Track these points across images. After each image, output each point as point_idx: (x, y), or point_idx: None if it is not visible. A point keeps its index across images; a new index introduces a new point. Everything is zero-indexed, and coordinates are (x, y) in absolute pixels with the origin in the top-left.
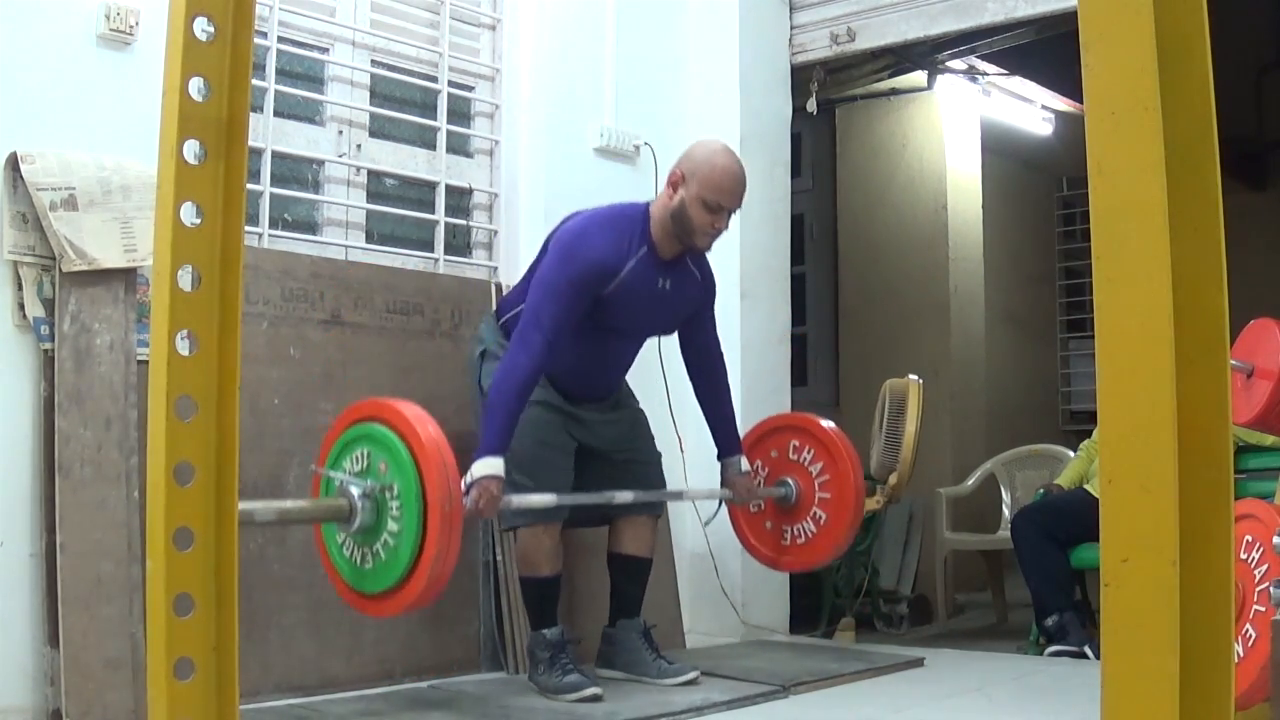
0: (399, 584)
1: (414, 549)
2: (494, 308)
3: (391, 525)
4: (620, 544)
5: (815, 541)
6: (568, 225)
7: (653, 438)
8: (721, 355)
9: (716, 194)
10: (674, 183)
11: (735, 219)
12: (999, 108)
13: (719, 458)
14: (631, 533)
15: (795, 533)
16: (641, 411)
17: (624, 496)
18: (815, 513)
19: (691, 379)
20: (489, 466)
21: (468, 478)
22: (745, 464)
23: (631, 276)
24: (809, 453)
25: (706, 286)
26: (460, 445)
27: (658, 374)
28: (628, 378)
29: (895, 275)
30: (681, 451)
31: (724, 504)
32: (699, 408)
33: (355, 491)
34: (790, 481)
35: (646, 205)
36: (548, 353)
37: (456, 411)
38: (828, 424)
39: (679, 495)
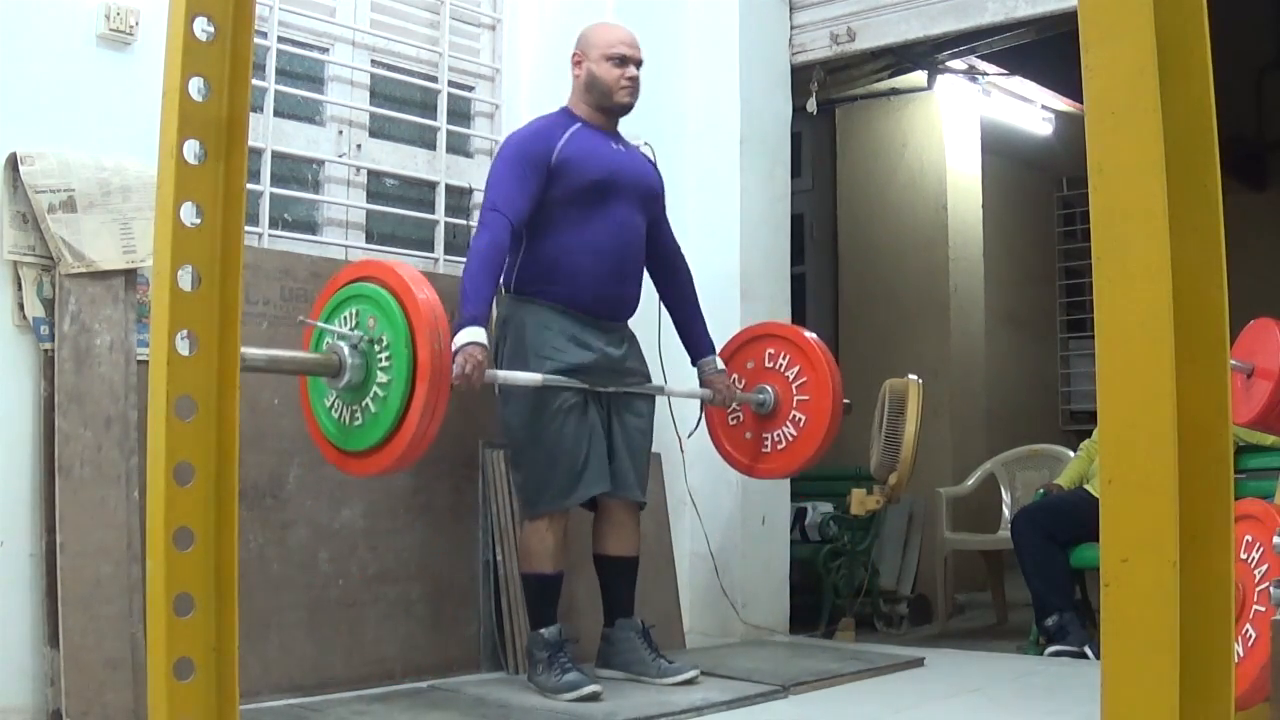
0: (383, 441)
1: (401, 405)
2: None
3: (379, 380)
4: (604, 545)
5: (793, 446)
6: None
7: (649, 442)
8: (683, 256)
9: (613, 46)
10: (575, 62)
11: (735, 222)
12: (999, 108)
13: (693, 361)
14: (614, 533)
15: (775, 439)
16: (649, 379)
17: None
18: (794, 415)
19: (658, 286)
20: (470, 334)
21: (451, 346)
22: (720, 363)
23: (576, 140)
24: (785, 358)
25: (658, 173)
26: (465, 452)
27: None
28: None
29: (895, 275)
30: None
31: (703, 414)
32: (673, 323)
33: (345, 347)
34: (768, 388)
35: (563, 105)
36: (504, 227)
37: (455, 412)
38: (808, 334)
39: (660, 390)
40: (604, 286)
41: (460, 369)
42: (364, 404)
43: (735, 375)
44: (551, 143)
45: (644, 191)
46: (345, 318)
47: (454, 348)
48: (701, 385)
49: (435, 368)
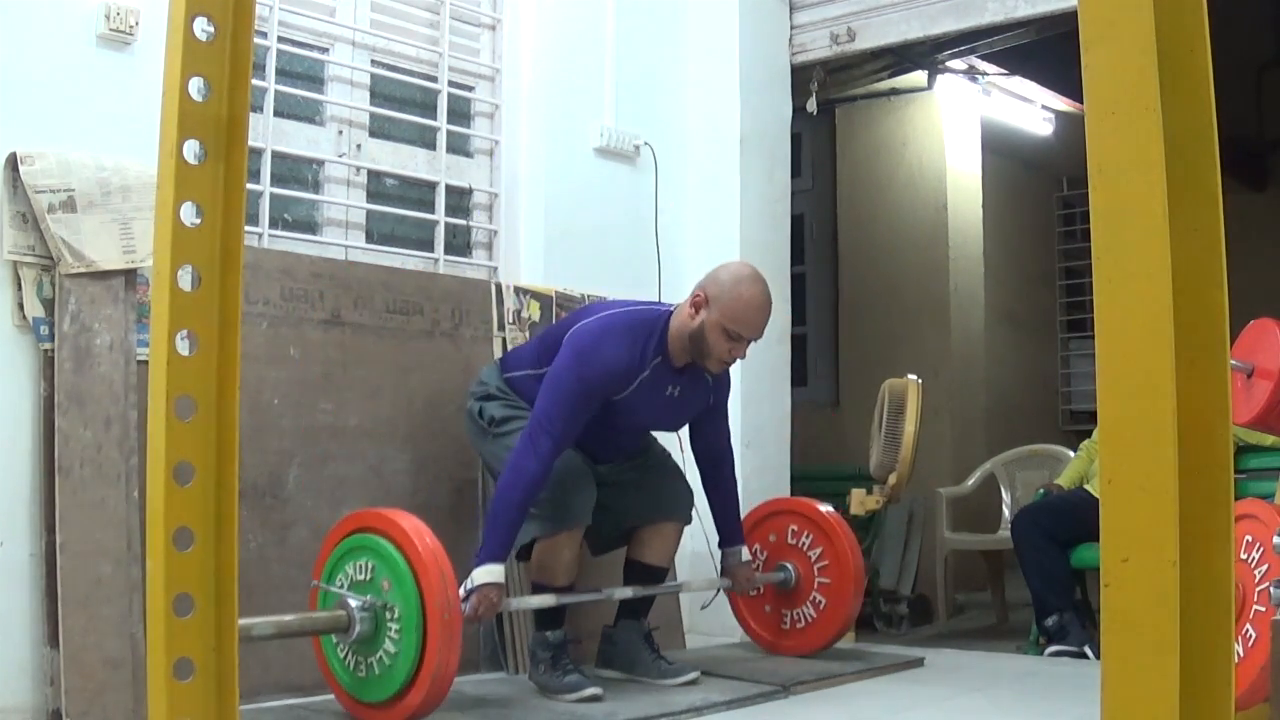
0: (399, 694)
1: (413, 661)
2: (497, 358)
3: (390, 638)
4: (643, 553)
5: (814, 626)
6: (587, 326)
7: (673, 462)
8: (730, 450)
9: (738, 325)
10: (696, 304)
11: (735, 222)
12: (999, 108)
13: (719, 546)
14: (658, 542)
15: (795, 617)
16: (664, 450)
17: (624, 592)
18: (815, 597)
19: (699, 468)
20: (490, 574)
21: (468, 583)
22: (745, 554)
23: (647, 382)
24: (808, 538)
25: (718, 389)
26: (465, 453)
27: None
28: None
29: (895, 275)
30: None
31: (720, 591)
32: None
33: (354, 604)
34: (789, 566)
35: (668, 314)
36: (554, 457)
37: (456, 411)
38: (825, 508)
39: (679, 587)
40: (594, 455)
41: (473, 610)
42: (375, 659)
43: (758, 546)
44: (626, 385)
45: (678, 421)
46: (354, 568)
47: (470, 585)
48: (723, 573)
49: (445, 630)
